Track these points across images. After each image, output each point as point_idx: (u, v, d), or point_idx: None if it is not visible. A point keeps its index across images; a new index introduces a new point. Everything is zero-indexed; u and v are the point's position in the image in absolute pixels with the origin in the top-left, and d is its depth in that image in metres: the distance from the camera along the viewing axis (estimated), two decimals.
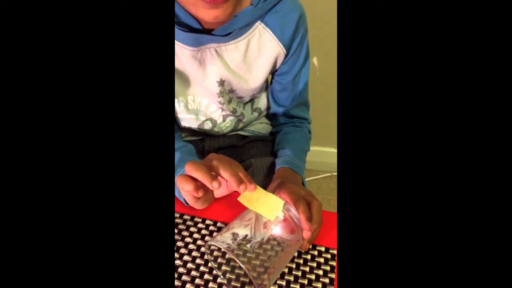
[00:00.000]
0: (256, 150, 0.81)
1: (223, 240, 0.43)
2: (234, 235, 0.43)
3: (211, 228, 0.55)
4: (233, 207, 0.59)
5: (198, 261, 0.51)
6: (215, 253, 0.49)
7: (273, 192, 0.55)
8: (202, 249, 0.52)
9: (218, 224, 0.56)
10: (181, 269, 0.50)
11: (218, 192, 0.56)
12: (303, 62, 0.73)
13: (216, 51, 0.64)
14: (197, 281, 0.48)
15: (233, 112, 0.75)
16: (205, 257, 0.50)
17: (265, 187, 0.64)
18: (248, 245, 0.42)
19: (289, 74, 0.73)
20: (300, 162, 0.69)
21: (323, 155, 1.59)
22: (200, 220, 0.56)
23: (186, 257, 0.51)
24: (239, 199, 0.48)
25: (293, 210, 0.48)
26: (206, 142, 0.82)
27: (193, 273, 0.49)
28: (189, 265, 0.50)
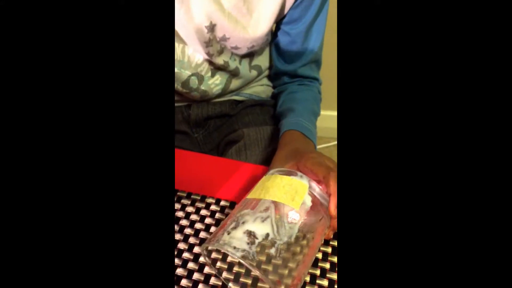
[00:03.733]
0: (252, 117, 0.67)
1: (235, 243, 0.30)
2: (251, 236, 0.31)
3: (212, 207, 0.44)
4: (242, 181, 0.48)
5: (196, 249, 0.40)
6: (214, 254, 0.38)
7: (284, 162, 0.43)
8: (197, 249, 0.42)
9: (222, 203, 0.45)
10: (176, 260, 0.39)
11: None
12: (319, 7, 0.56)
13: None
14: (196, 276, 0.38)
15: (225, 66, 0.60)
16: (201, 259, 0.38)
17: (260, 162, 0.53)
18: (273, 249, 0.30)
19: (300, 22, 0.57)
20: (311, 125, 0.56)
21: (334, 120, 1.46)
22: (199, 197, 0.45)
23: (182, 245, 0.41)
24: (250, 196, 0.36)
25: (318, 189, 0.36)
26: (192, 110, 0.67)
27: (191, 265, 0.39)
28: (186, 255, 0.40)
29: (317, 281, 0.38)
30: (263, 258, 0.30)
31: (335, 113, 1.47)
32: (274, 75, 0.67)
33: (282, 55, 0.62)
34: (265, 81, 0.70)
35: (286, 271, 0.30)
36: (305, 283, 0.38)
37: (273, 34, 0.62)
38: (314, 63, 0.63)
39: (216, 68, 0.60)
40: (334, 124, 1.40)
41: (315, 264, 0.39)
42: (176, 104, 0.68)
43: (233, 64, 0.60)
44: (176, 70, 0.58)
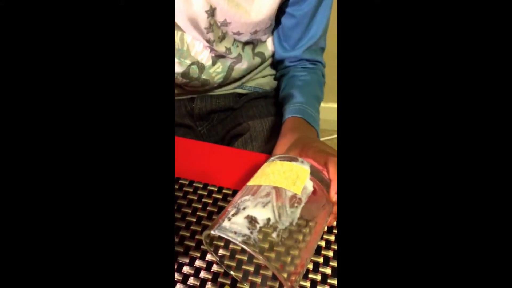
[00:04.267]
0: (256, 110, 0.66)
1: (236, 228, 0.30)
2: (252, 221, 0.30)
3: (215, 195, 0.44)
4: (244, 169, 0.47)
5: (198, 237, 0.40)
6: (215, 241, 0.38)
7: (287, 152, 0.42)
8: (199, 236, 0.41)
9: (224, 191, 0.44)
10: (178, 248, 0.39)
11: None
12: None
13: None
14: (198, 263, 0.38)
15: (226, 53, 0.58)
16: (203, 246, 0.37)
17: (267, 153, 0.52)
18: (274, 234, 0.30)
19: (305, 3, 0.55)
20: (314, 111, 0.55)
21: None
22: (201, 185, 0.45)
23: (184, 232, 0.40)
24: (251, 183, 0.36)
25: (320, 175, 0.36)
26: (195, 103, 0.66)
27: (193, 252, 0.39)
28: (188, 242, 0.39)
29: (320, 269, 0.37)
30: (265, 243, 0.29)
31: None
32: (276, 62, 0.66)
33: (286, 40, 0.61)
34: (269, 70, 0.68)
35: (289, 256, 0.29)
36: (308, 271, 0.37)
37: (276, 21, 0.60)
38: (318, 46, 0.62)
39: (217, 56, 0.59)
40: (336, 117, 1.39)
41: (318, 252, 0.39)
42: (178, 98, 0.67)
43: (235, 51, 0.59)
44: (176, 59, 0.57)
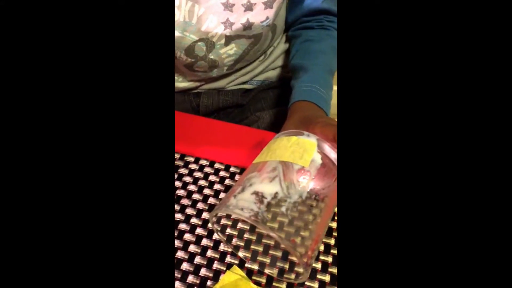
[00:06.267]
0: (264, 102, 0.62)
1: (243, 205, 0.29)
2: (259, 196, 0.29)
3: (222, 173, 0.42)
4: (252, 147, 0.46)
5: (205, 215, 0.39)
6: (223, 221, 0.36)
7: (296, 128, 0.41)
8: (205, 215, 0.40)
9: (232, 169, 0.43)
10: (184, 226, 0.37)
11: None
12: None
13: None
14: (205, 242, 0.36)
15: (246, 25, 0.50)
16: (210, 225, 0.36)
17: None
18: (283, 208, 0.29)
19: None
20: (326, 91, 0.50)
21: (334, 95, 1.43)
22: (208, 163, 0.43)
23: (190, 211, 0.39)
24: (257, 161, 0.34)
25: (329, 148, 0.34)
26: (202, 100, 0.61)
27: (199, 231, 0.37)
28: (194, 220, 0.38)
29: (331, 251, 0.36)
30: (274, 218, 0.28)
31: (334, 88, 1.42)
32: (288, 13, 0.59)
33: None
34: (279, 61, 0.64)
35: (301, 231, 0.28)
36: (319, 253, 0.36)
37: None
38: None
39: (233, 36, 0.52)
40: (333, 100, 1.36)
41: (329, 233, 0.37)
42: (183, 89, 0.61)
43: (258, 27, 0.52)
44: (177, 34, 0.50)
